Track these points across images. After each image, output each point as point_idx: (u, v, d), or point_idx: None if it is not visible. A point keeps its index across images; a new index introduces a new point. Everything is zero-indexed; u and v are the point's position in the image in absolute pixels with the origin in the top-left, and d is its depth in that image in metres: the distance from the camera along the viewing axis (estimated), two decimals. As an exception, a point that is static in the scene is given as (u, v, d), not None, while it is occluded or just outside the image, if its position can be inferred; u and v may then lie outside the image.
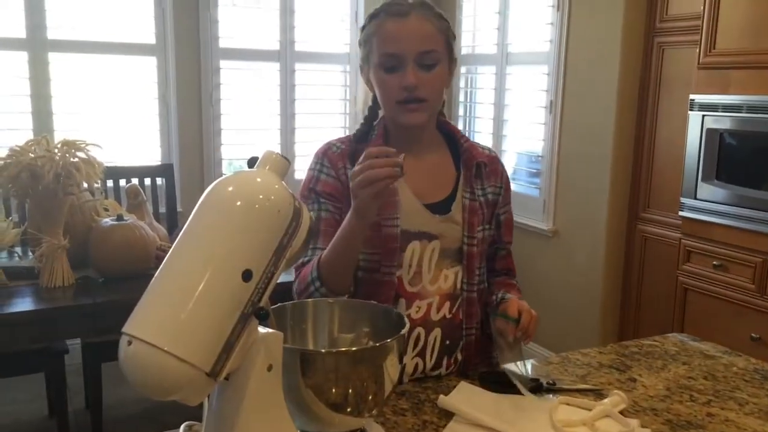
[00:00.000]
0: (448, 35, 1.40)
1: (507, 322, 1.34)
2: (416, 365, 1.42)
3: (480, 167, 1.47)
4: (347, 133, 4.17)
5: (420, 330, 1.41)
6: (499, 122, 3.99)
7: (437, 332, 1.42)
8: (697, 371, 1.46)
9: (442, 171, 1.48)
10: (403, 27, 1.35)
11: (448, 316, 1.44)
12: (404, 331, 1.03)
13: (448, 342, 1.44)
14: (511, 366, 1.37)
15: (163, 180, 3.31)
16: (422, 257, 1.41)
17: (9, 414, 3.10)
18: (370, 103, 1.50)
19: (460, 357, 1.46)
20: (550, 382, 1.34)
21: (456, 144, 1.50)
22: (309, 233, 0.92)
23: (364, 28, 1.42)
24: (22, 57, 3.49)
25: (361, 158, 1.22)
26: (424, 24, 1.36)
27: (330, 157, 1.44)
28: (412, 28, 1.35)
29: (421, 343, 1.41)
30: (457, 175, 1.47)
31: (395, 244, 1.38)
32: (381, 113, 1.48)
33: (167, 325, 0.76)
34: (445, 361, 1.44)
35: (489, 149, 1.55)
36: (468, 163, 1.47)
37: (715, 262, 2.69)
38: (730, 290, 2.64)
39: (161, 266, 0.81)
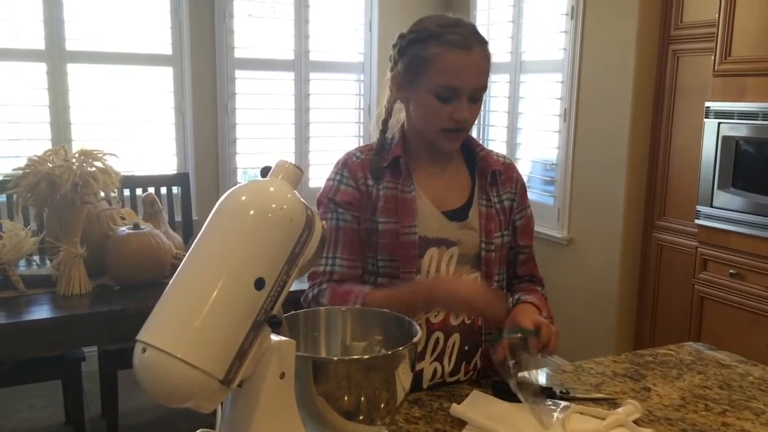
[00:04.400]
0: (489, 67, 1.42)
1: (518, 337, 1.32)
2: (435, 370, 1.43)
3: (495, 175, 1.49)
4: (362, 142, 4.20)
5: (439, 335, 1.42)
6: (513, 130, 3.98)
7: (456, 337, 1.43)
8: (713, 380, 1.45)
9: (459, 179, 1.49)
10: (466, 62, 1.35)
11: (467, 321, 1.44)
12: (416, 339, 1.03)
13: (466, 348, 1.44)
14: (524, 374, 1.36)
15: (179, 189, 3.34)
16: (440, 263, 1.42)
17: (26, 421, 3.13)
18: (384, 116, 1.49)
19: (479, 364, 1.46)
20: (564, 390, 1.34)
21: (472, 153, 1.51)
22: (321, 242, 0.93)
23: (411, 40, 1.37)
24: (41, 68, 3.54)
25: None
26: (483, 60, 1.37)
27: (350, 167, 1.44)
28: (474, 64, 1.36)
29: (439, 348, 1.42)
30: (472, 184, 1.49)
31: (413, 250, 1.40)
32: (400, 122, 1.48)
33: (181, 333, 0.77)
34: (463, 367, 1.45)
35: (504, 157, 1.57)
36: (483, 171, 1.48)
37: (731, 271, 2.67)
38: (747, 299, 2.62)
39: (175, 274, 0.82)
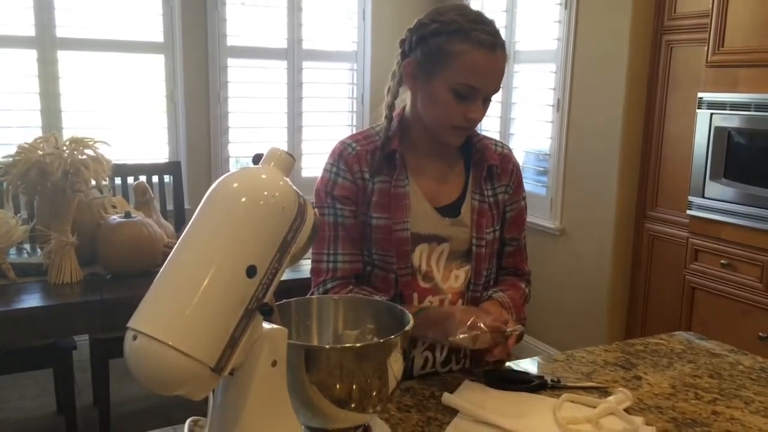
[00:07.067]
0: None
1: None
2: (426, 359, 1.43)
3: (491, 169, 1.47)
4: (354, 131, 4.18)
5: None
6: (506, 120, 3.98)
7: None
8: (703, 369, 1.46)
9: (453, 172, 1.48)
10: (490, 63, 1.31)
11: None
12: (408, 327, 1.03)
13: None
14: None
15: (171, 177, 3.33)
16: (430, 259, 1.42)
17: (17, 410, 3.12)
18: (391, 103, 1.44)
19: (469, 352, 1.46)
20: (555, 379, 1.34)
21: (468, 141, 1.48)
22: (313, 230, 0.92)
23: (436, 31, 1.32)
24: (31, 55, 3.51)
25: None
26: (503, 63, 1.34)
27: (346, 159, 1.41)
28: (497, 66, 1.33)
29: None
30: (466, 175, 1.47)
31: (407, 247, 1.39)
32: (399, 106, 1.45)
33: (172, 320, 0.77)
34: (454, 356, 1.45)
35: (502, 145, 1.53)
36: (479, 165, 1.47)
37: (722, 261, 2.68)
38: (738, 289, 2.63)
39: (166, 262, 0.82)
